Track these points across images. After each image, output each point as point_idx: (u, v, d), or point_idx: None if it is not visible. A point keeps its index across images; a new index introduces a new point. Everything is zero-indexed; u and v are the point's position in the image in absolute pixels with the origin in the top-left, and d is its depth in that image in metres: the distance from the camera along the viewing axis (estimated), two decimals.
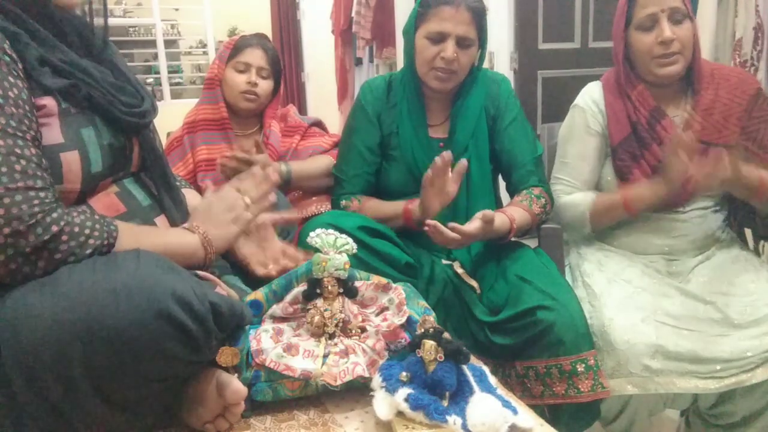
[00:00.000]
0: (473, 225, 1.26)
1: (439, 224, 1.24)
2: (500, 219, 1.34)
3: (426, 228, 1.26)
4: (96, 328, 0.71)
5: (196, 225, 0.98)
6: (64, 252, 0.79)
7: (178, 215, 1.04)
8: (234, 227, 1.03)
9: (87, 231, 0.81)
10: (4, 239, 0.74)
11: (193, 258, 0.96)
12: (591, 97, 1.52)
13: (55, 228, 0.77)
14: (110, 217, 0.88)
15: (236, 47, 1.76)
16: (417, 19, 1.44)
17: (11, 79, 0.79)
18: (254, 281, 1.18)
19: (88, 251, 0.81)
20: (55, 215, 0.78)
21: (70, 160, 0.85)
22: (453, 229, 1.24)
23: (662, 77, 1.41)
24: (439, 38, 1.40)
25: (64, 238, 0.78)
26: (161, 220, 1.03)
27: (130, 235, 0.87)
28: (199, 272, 0.98)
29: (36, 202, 0.76)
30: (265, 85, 1.76)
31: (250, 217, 1.05)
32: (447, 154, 1.27)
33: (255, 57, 1.75)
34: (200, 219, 1.01)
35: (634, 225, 1.48)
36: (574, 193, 1.50)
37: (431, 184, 1.29)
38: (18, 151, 0.78)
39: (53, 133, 0.84)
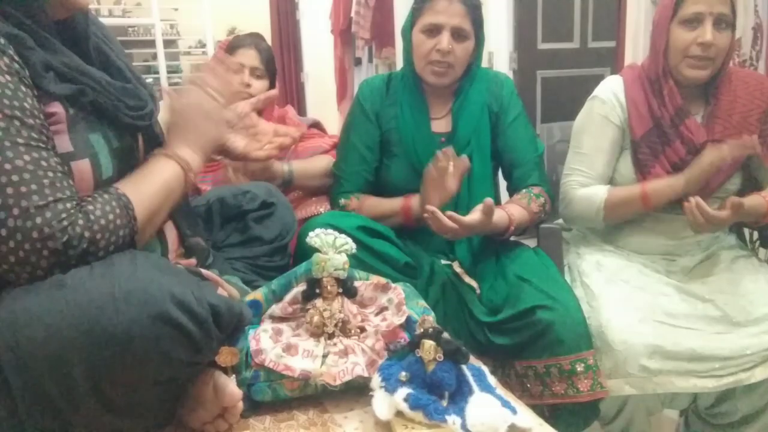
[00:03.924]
0: (472, 217, 1.26)
1: (437, 211, 1.24)
2: (499, 214, 1.34)
3: (425, 215, 1.26)
4: (95, 332, 0.71)
5: (173, 150, 0.96)
6: (104, 247, 0.80)
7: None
8: (218, 131, 1.02)
9: (110, 217, 0.82)
10: (47, 261, 0.76)
11: (182, 184, 0.95)
12: (611, 89, 1.49)
13: (87, 234, 0.78)
14: (114, 188, 0.86)
15: (229, 48, 1.75)
16: (413, 15, 1.47)
17: (24, 89, 0.78)
18: (253, 282, 1.18)
19: (121, 232, 0.82)
20: (82, 222, 0.78)
21: (82, 168, 0.85)
22: (451, 218, 1.24)
23: (688, 79, 1.40)
24: (434, 30, 1.41)
25: (98, 237, 0.79)
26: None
27: (140, 200, 0.86)
28: (203, 271, 0.98)
29: (64, 215, 0.76)
30: (259, 85, 1.74)
31: (228, 114, 1.03)
32: (449, 150, 1.28)
33: (248, 57, 1.74)
34: (182, 137, 0.98)
35: (641, 225, 1.47)
36: (590, 185, 1.48)
37: (432, 178, 1.30)
38: (44, 163, 0.77)
39: (62, 142, 0.83)
